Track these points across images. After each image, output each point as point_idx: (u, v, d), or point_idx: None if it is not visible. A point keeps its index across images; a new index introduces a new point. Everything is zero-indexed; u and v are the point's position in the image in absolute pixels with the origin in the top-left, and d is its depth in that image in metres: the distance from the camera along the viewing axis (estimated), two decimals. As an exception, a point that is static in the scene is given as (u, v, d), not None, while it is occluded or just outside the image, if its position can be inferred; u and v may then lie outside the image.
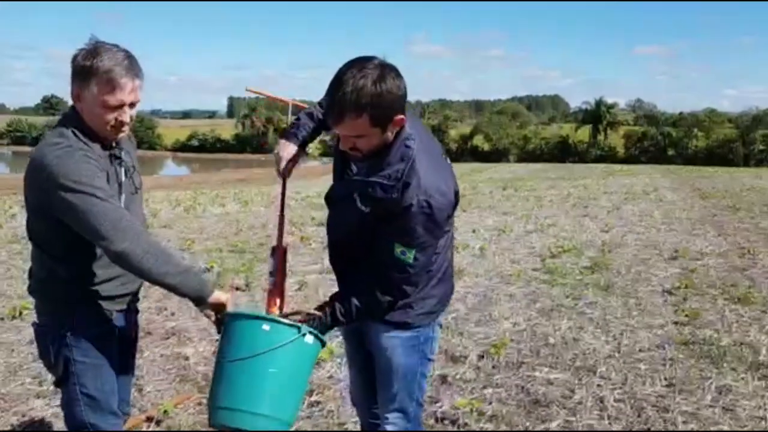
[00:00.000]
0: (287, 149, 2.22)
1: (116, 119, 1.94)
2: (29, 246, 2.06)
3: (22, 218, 10.59)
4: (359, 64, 1.84)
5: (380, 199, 1.94)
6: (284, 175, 2.23)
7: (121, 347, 2.16)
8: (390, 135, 1.94)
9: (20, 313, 4.91)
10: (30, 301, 5.03)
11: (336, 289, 2.21)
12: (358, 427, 3.21)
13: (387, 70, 1.84)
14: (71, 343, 2.03)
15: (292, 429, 3.04)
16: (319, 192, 16.40)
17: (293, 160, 2.22)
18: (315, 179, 24.31)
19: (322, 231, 9.36)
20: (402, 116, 1.91)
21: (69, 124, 1.96)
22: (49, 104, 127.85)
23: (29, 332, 4.52)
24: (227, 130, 77.70)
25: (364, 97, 1.79)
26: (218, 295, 1.99)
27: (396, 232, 1.94)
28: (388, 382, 2.22)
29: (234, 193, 18.41)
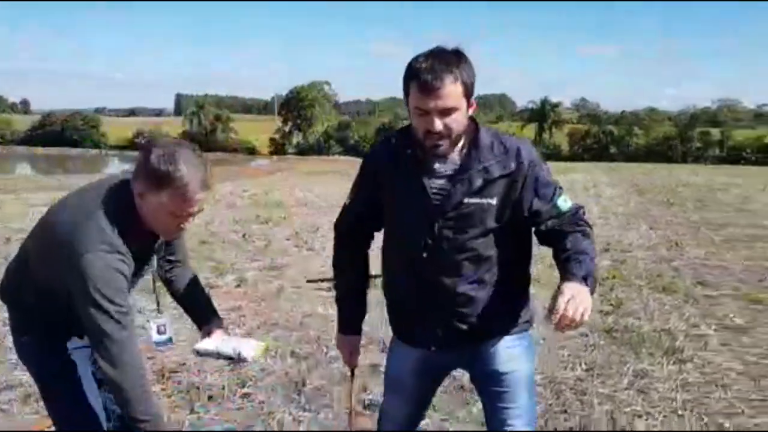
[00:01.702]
0: (344, 342, 2.29)
1: (178, 225, 1.91)
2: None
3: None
4: (434, 48, 1.88)
5: (502, 176, 1.91)
6: (350, 364, 2.33)
7: None
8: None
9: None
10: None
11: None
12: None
13: (459, 51, 1.89)
14: (50, 361, 2.04)
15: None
16: (266, 190, 16.23)
17: (355, 350, 2.29)
18: (262, 177, 24.16)
19: (266, 229, 9.37)
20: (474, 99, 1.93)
21: (120, 213, 1.86)
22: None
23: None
24: (175, 127, 76.34)
25: (456, 62, 1.83)
26: None
27: (539, 192, 1.93)
28: (516, 394, 2.07)
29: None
